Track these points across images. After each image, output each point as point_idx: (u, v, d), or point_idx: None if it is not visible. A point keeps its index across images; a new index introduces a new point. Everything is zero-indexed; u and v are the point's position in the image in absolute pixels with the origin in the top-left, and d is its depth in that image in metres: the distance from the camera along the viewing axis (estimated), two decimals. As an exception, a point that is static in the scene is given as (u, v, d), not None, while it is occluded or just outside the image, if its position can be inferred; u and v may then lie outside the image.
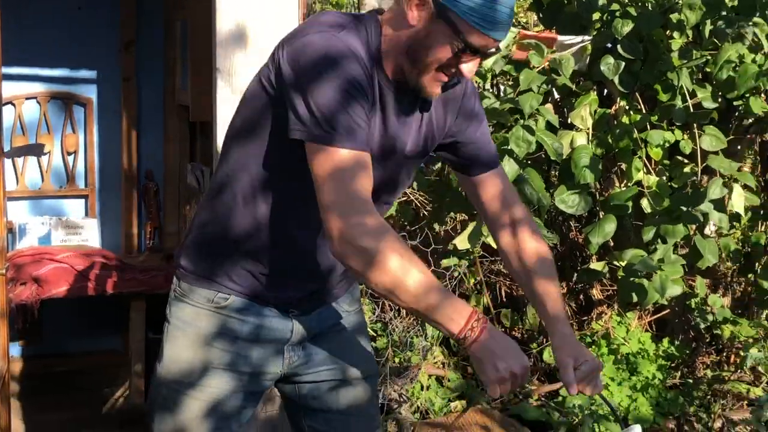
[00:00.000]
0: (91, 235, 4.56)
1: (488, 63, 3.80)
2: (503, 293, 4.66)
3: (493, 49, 1.88)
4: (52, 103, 4.61)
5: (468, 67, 1.88)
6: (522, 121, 3.63)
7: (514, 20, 3.80)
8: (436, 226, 4.42)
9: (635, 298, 3.73)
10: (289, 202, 1.97)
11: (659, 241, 3.86)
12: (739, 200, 3.79)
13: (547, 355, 4.38)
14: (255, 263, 2.02)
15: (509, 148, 3.62)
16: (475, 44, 1.84)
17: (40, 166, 4.58)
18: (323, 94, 1.79)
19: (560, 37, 3.96)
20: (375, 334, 4.29)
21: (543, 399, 4.26)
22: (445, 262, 4.22)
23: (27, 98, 4.55)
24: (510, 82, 4.51)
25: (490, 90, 4.43)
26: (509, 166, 3.65)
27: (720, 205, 3.76)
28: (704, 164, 3.78)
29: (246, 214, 1.98)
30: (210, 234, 2.05)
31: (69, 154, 4.64)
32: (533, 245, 2.18)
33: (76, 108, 4.65)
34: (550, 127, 3.85)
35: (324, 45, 1.83)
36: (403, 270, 1.73)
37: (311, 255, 2.03)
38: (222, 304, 2.04)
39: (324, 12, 1.99)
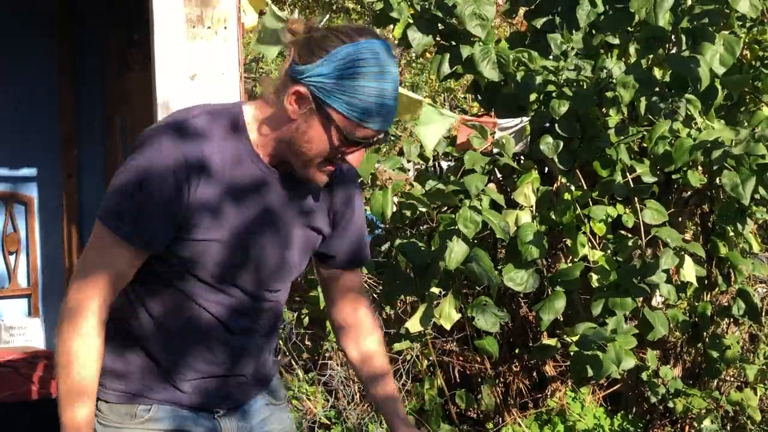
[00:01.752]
0: (34, 335, 4.46)
1: (430, 145, 3.85)
2: (457, 373, 4.63)
3: (381, 136, 1.88)
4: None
5: (354, 157, 1.88)
6: (468, 201, 3.66)
7: (455, 103, 3.87)
8: (387, 309, 4.40)
9: (590, 372, 3.74)
10: (181, 301, 1.92)
11: (609, 315, 3.89)
12: (690, 270, 3.86)
13: (504, 436, 4.36)
14: (169, 367, 1.95)
15: (457, 228, 3.64)
16: (358, 136, 1.83)
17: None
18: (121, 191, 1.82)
19: (500, 121, 4.04)
20: (329, 422, 4.23)
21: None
22: (397, 346, 4.19)
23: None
24: (451, 162, 4.56)
25: (432, 170, 4.47)
26: (458, 247, 3.68)
27: (667, 276, 3.81)
28: (650, 236, 3.84)
29: (146, 320, 1.93)
30: (116, 346, 1.95)
31: (11, 253, 4.57)
32: (378, 358, 2.16)
33: (17, 207, 4.59)
34: (494, 206, 3.90)
35: (149, 149, 1.83)
36: (66, 360, 1.81)
37: (220, 346, 1.96)
38: (145, 417, 1.94)
39: (187, 110, 1.94)
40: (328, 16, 8.99)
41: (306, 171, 1.88)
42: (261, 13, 3.93)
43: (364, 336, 2.15)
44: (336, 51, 1.79)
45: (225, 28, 3.42)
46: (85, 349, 1.81)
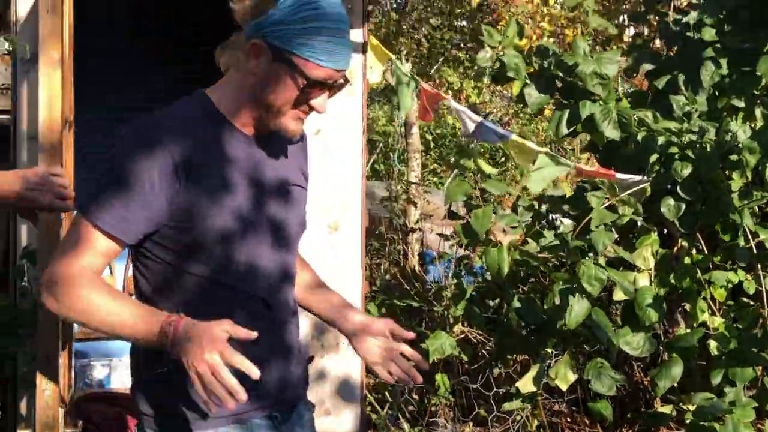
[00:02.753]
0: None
1: (537, 188, 3.84)
2: (566, 436, 4.56)
3: (342, 80, 1.93)
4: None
5: (318, 102, 1.93)
6: (591, 258, 3.62)
7: (572, 156, 3.84)
8: (497, 368, 4.37)
9: (707, 444, 3.63)
10: (227, 302, 1.95)
11: (727, 383, 3.78)
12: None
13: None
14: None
15: (578, 286, 3.59)
16: (318, 77, 1.88)
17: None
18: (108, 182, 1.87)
19: (619, 176, 3.99)
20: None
21: None
22: (506, 406, 4.15)
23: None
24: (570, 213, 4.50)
25: (546, 226, 4.43)
26: (579, 305, 3.63)
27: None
28: (772, 306, 3.73)
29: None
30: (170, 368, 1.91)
31: (131, 295, 4.68)
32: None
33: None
34: (610, 265, 3.85)
35: (129, 140, 1.89)
36: (88, 300, 1.82)
37: (268, 343, 1.96)
38: None
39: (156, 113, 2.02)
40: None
41: (278, 122, 1.94)
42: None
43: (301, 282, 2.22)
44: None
45: (350, 84, 3.48)
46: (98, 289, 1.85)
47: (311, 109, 1.95)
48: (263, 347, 1.93)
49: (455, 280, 4.31)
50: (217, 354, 1.74)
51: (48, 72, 2.52)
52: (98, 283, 1.85)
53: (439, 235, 5.45)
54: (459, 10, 7.86)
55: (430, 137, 10.54)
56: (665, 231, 4.22)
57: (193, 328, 1.78)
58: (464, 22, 8.05)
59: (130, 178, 1.86)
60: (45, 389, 2.61)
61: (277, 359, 2.03)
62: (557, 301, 3.77)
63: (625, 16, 7.55)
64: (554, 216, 4.49)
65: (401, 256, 7.17)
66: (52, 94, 2.53)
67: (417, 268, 6.67)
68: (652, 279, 3.94)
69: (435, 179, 10.09)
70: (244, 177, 1.97)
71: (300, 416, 2.14)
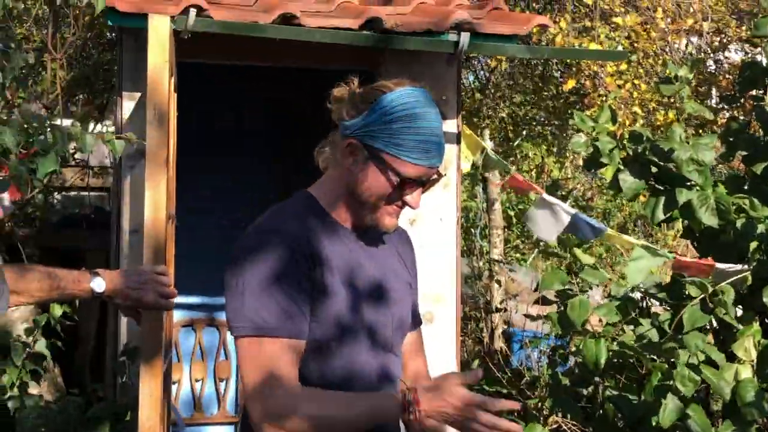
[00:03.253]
0: (238, 461, 4.56)
1: (636, 280, 3.77)
2: None
3: (435, 176, 2.02)
4: (207, 330, 4.74)
5: (412, 198, 2.01)
6: (686, 358, 3.52)
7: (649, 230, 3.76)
8: (593, 461, 4.24)
9: None
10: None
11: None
12: None
13: None
14: None
15: (672, 384, 3.50)
16: (411, 175, 1.96)
17: (192, 393, 4.67)
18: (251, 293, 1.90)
19: (718, 265, 3.89)
20: None
21: None
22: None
23: (183, 325, 4.70)
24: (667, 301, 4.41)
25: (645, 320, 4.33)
26: (672, 404, 3.53)
27: None
28: None
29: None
30: None
31: (221, 380, 4.72)
32: None
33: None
34: (710, 359, 3.73)
35: (253, 244, 1.95)
36: (312, 415, 1.86)
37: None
38: None
39: (270, 215, 2.08)
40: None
41: (373, 217, 2.03)
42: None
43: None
44: (378, 101, 1.97)
45: (445, 175, 3.49)
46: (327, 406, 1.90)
47: (405, 204, 2.03)
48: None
49: (549, 370, 4.23)
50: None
51: (154, 173, 2.58)
52: (310, 395, 1.91)
53: (526, 316, 5.38)
54: (546, 93, 7.86)
55: (512, 212, 10.52)
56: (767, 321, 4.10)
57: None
58: (549, 102, 8.05)
59: (274, 277, 1.91)
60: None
61: None
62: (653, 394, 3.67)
63: (717, 98, 7.47)
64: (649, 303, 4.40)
65: (486, 336, 7.10)
66: (158, 195, 2.58)
67: (503, 347, 6.59)
68: (755, 371, 3.80)
69: (517, 255, 10.01)
70: (346, 277, 2.03)
71: None
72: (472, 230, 8.56)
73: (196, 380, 4.66)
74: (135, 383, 2.85)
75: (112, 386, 3.30)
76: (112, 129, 3.05)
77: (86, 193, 5.76)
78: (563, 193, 9.06)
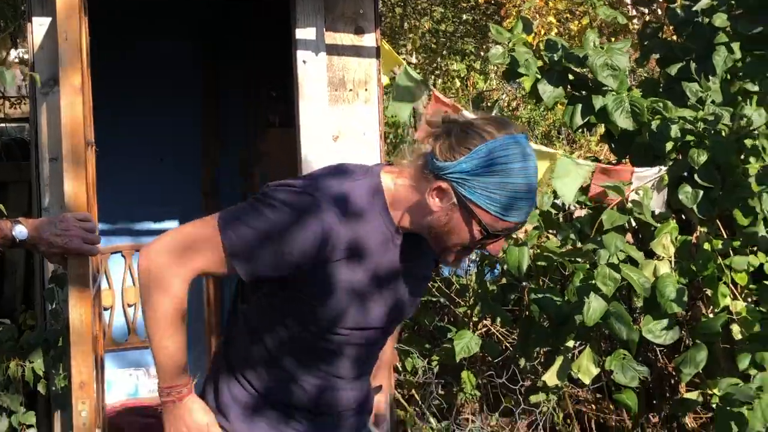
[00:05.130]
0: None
1: (570, 197, 3.85)
2: (594, 425, 4.58)
3: (520, 227, 1.97)
4: (136, 256, 4.72)
5: (494, 246, 1.97)
6: (606, 258, 3.63)
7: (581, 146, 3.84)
8: (522, 361, 4.39)
9: (735, 429, 3.64)
10: (318, 352, 2.05)
11: (753, 368, 3.79)
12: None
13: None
14: (289, 411, 2.08)
15: (594, 284, 3.61)
16: (498, 229, 1.90)
17: (126, 318, 4.68)
18: (257, 221, 1.90)
19: (637, 169, 4.00)
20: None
21: None
22: (533, 399, 4.18)
23: (112, 252, 4.68)
24: (583, 209, 4.53)
25: (567, 224, 4.44)
26: (596, 303, 3.65)
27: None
28: (795, 289, 3.73)
29: (284, 374, 2.06)
30: (256, 399, 2.08)
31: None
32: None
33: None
34: (631, 258, 3.86)
35: (297, 199, 1.92)
36: (163, 318, 1.93)
37: (349, 390, 2.13)
38: None
39: (337, 167, 2.07)
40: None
41: (443, 254, 2.00)
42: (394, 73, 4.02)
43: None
44: (477, 149, 1.87)
45: (366, 90, 3.50)
46: (177, 332, 1.97)
47: (482, 248, 2.00)
48: (345, 397, 2.12)
49: (478, 280, 4.33)
50: None
51: (70, 98, 2.55)
52: (182, 316, 1.98)
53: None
54: (464, 4, 7.84)
55: (439, 127, 10.47)
56: (684, 219, 4.24)
57: (188, 414, 2.00)
58: (467, 16, 8.04)
59: (282, 233, 1.90)
60: (81, 410, 2.65)
61: (353, 406, 2.18)
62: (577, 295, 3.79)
63: (630, 5, 7.53)
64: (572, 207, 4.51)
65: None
66: (74, 118, 2.56)
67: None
68: (673, 267, 3.95)
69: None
70: (383, 274, 2.03)
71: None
72: (402, 145, 8.59)
73: (129, 305, 4.67)
74: (65, 310, 2.87)
75: (42, 313, 3.30)
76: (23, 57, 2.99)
77: (4, 125, 5.63)
78: (488, 104, 9.15)
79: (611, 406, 4.54)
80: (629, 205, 3.86)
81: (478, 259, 4.48)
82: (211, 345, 4.83)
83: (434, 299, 4.80)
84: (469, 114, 4.21)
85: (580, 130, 4.33)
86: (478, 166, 1.86)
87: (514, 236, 4.04)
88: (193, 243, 1.93)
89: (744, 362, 3.74)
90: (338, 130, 3.42)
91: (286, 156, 3.77)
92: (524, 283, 4.25)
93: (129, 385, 4.52)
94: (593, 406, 4.60)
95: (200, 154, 4.83)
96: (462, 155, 1.87)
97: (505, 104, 10.42)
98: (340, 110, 3.46)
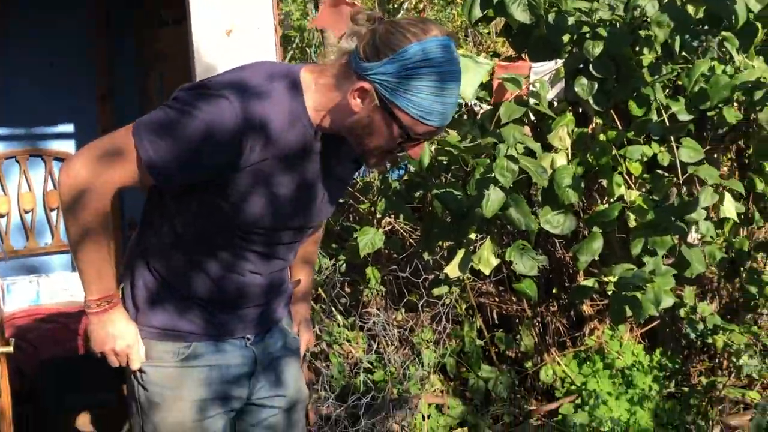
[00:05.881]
0: (78, 290, 4.54)
1: (469, 94, 3.86)
2: (495, 315, 4.69)
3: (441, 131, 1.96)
4: (32, 161, 4.61)
5: (414, 150, 1.95)
6: (504, 150, 3.67)
7: (479, 39, 3.84)
8: (425, 255, 4.45)
9: (629, 313, 3.77)
10: (228, 246, 2.05)
11: (645, 254, 3.92)
12: (730, 206, 3.86)
13: (544, 375, 4.42)
14: (206, 306, 2.09)
15: (493, 176, 3.66)
16: (419, 133, 1.89)
17: (23, 225, 4.57)
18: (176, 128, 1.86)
19: (534, 64, 4.02)
20: (371, 366, 4.31)
21: (543, 419, 4.29)
22: (436, 291, 4.25)
23: (6, 158, 4.55)
24: (484, 105, 4.55)
25: (466, 114, 4.47)
26: (494, 195, 3.69)
27: (705, 213, 3.82)
28: (687, 174, 3.83)
29: (191, 264, 2.06)
30: (160, 287, 2.09)
31: (52, 210, 4.63)
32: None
33: (56, 163, 4.65)
34: (529, 151, 3.90)
35: (212, 99, 1.87)
36: (86, 232, 1.93)
37: (257, 285, 2.14)
38: (186, 353, 2.08)
39: (255, 66, 2.01)
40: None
41: (364, 156, 1.99)
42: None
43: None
44: (402, 50, 1.82)
45: (258, -16, 3.41)
46: (101, 247, 1.97)
47: (405, 153, 1.97)
48: (252, 293, 2.13)
49: (381, 177, 4.34)
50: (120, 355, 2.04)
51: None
52: (105, 230, 1.95)
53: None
54: None
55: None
56: (580, 111, 4.29)
57: (113, 325, 2.02)
58: None
59: (197, 139, 1.85)
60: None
61: (262, 301, 2.19)
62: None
63: None
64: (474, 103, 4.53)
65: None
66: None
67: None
68: (570, 158, 4.02)
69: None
70: (301, 176, 2.01)
71: (280, 333, 2.32)
72: (308, 49, 8.46)
73: (26, 212, 4.56)
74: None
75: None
76: None
77: None
78: (394, 6, 9.05)
79: (513, 298, 4.66)
80: (526, 98, 3.88)
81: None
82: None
83: (340, 200, 4.81)
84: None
85: (485, 31, 4.32)
86: (402, 67, 1.82)
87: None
88: (111, 156, 1.89)
89: (637, 248, 3.86)
90: (231, 24, 3.34)
91: (181, 54, 3.67)
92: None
93: (30, 292, 4.44)
94: (495, 298, 4.70)
95: (93, 55, 4.68)
96: (386, 56, 1.83)
97: (412, 6, 10.33)
98: (233, 3, 3.37)
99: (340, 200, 2.24)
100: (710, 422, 4.26)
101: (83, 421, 4.44)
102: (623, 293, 3.80)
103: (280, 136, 1.92)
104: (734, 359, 4.23)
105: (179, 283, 2.06)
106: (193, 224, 2.01)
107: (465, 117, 4.52)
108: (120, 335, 2.03)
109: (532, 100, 3.90)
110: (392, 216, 4.64)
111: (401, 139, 1.90)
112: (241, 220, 1.97)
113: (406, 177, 4.57)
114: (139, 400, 2.10)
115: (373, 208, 4.50)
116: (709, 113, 4.07)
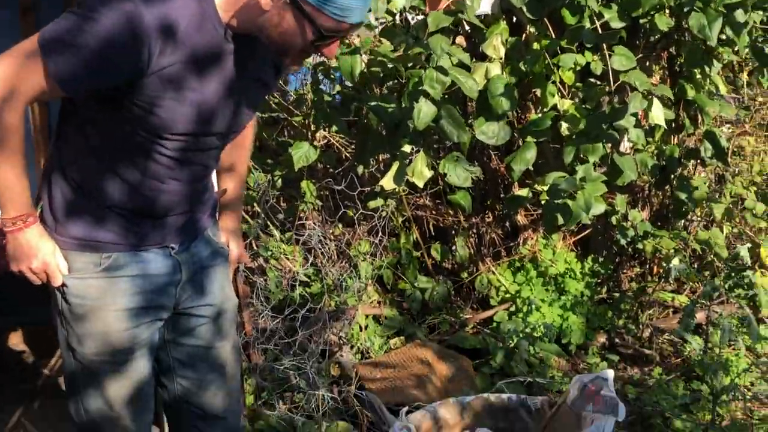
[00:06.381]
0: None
1: (401, 1, 3.81)
2: (431, 227, 4.72)
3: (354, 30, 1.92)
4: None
5: (329, 49, 1.92)
6: (434, 61, 3.63)
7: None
8: (360, 169, 4.43)
9: (561, 220, 3.81)
10: (143, 152, 2.00)
11: (578, 162, 3.95)
12: (658, 113, 3.88)
13: (479, 284, 4.48)
14: (126, 214, 2.05)
15: (424, 88, 3.63)
16: (332, 30, 1.85)
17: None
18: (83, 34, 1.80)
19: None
20: (309, 280, 4.32)
21: (478, 327, 4.36)
22: (371, 204, 4.25)
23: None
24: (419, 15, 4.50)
25: (401, 25, 4.41)
26: (426, 107, 3.67)
27: (635, 121, 3.85)
28: (618, 82, 3.85)
29: (107, 171, 2.01)
30: (77, 196, 2.05)
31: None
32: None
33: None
34: (462, 63, 3.88)
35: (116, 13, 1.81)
36: (3, 154, 1.87)
37: (177, 193, 2.10)
38: (107, 264, 2.05)
39: None
40: None
41: (278, 56, 1.97)
42: None
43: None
44: None
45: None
46: (16, 163, 1.91)
47: (317, 51, 1.91)
48: (172, 200, 2.08)
49: (314, 87, 4.29)
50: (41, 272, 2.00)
51: None
52: (19, 146, 1.89)
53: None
54: None
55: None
56: (514, 20, 4.27)
57: (32, 241, 1.97)
58: None
59: (104, 46, 1.78)
60: None
61: (184, 209, 2.15)
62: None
63: None
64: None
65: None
66: None
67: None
68: (503, 68, 4.00)
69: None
70: (216, 79, 1.95)
71: (205, 242, 2.28)
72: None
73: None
74: None
75: None
76: None
77: None
78: None
79: (449, 210, 4.68)
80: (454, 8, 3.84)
81: (312, 67, 4.42)
82: (40, 164, 4.67)
83: (274, 114, 4.75)
84: None
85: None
86: None
87: (348, 43, 4.00)
88: (17, 71, 1.82)
89: (569, 157, 3.89)
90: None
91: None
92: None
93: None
94: (431, 210, 4.72)
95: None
96: None
97: None
98: None
99: (259, 104, 2.19)
100: (640, 326, 4.37)
101: (16, 340, 4.41)
102: (555, 201, 3.83)
103: (188, 38, 1.87)
104: (664, 264, 4.32)
105: (96, 191, 2.01)
106: (106, 131, 1.96)
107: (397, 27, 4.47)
108: (35, 253, 1.99)
109: (459, 8, 3.86)
110: (327, 130, 4.60)
111: (314, 37, 1.86)
112: (153, 125, 1.93)
113: (340, 89, 4.53)
114: (63, 313, 2.07)
115: (307, 122, 4.46)
116: (641, 20, 4.07)
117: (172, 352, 2.28)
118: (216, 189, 2.42)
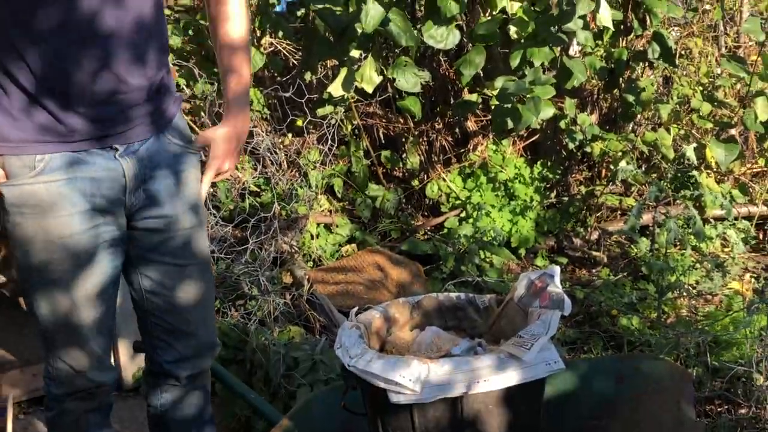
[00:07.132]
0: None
1: None
2: (381, 135, 4.70)
3: None
4: None
5: None
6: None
7: None
8: (308, 76, 4.38)
9: (510, 124, 3.82)
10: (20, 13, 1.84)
11: (527, 66, 3.94)
12: (606, 14, 3.86)
13: (430, 191, 4.49)
14: (46, 105, 1.89)
15: (372, -10, 3.57)
16: None
17: None
18: None
19: None
20: (259, 190, 4.30)
21: (429, 233, 4.39)
22: (320, 111, 4.22)
23: None
24: None
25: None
26: (374, 10, 3.61)
27: (583, 23, 3.83)
28: (565, -16, 3.81)
29: (8, 57, 1.86)
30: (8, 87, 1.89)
31: None
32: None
33: None
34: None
35: None
36: None
37: (87, 58, 1.87)
38: (41, 167, 1.91)
39: None
40: None
41: None
42: None
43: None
44: None
45: None
46: None
47: None
48: (87, 82, 1.87)
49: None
50: None
51: None
52: None
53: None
54: None
55: None
56: None
57: None
58: None
59: None
60: None
61: (109, 86, 1.92)
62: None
63: None
64: None
65: None
66: None
67: None
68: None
69: None
70: None
71: (164, 142, 2.07)
72: None
73: None
74: None
75: None
76: None
77: None
78: None
79: (400, 119, 4.66)
80: None
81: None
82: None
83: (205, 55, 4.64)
84: None
85: None
86: None
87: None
88: None
89: (516, 60, 3.88)
90: None
91: None
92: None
93: None
94: (381, 118, 4.69)
95: None
96: None
97: None
98: None
99: None
100: (588, 229, 4.43)
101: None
102: (505, 105, 3.83)
103: None
104: (612, 167, 4.36)
105: (7, 84, 1.87)
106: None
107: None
108: None
109: None
110: (273, 36, 4.52)
111: None
112: None
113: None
114: (5, 225, 1.97)
115: (252, 27, 4.37)
116: None
117: (140, 268, 2.12)
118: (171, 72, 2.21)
